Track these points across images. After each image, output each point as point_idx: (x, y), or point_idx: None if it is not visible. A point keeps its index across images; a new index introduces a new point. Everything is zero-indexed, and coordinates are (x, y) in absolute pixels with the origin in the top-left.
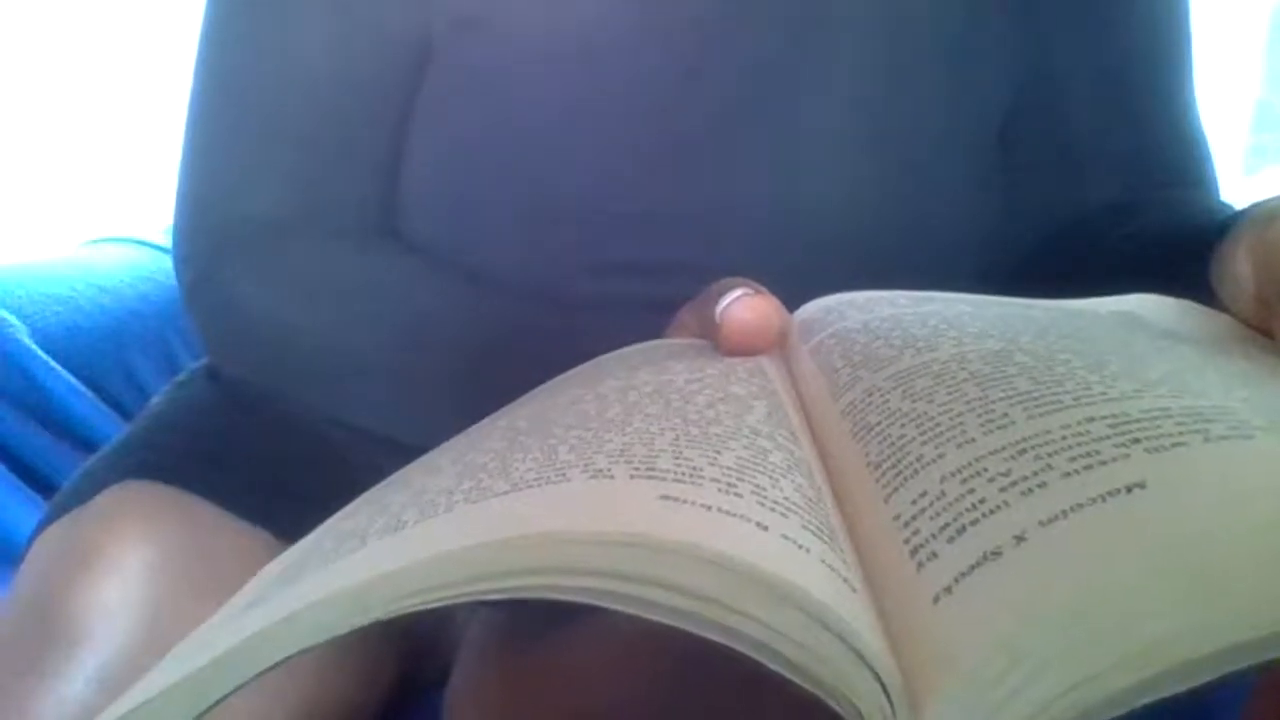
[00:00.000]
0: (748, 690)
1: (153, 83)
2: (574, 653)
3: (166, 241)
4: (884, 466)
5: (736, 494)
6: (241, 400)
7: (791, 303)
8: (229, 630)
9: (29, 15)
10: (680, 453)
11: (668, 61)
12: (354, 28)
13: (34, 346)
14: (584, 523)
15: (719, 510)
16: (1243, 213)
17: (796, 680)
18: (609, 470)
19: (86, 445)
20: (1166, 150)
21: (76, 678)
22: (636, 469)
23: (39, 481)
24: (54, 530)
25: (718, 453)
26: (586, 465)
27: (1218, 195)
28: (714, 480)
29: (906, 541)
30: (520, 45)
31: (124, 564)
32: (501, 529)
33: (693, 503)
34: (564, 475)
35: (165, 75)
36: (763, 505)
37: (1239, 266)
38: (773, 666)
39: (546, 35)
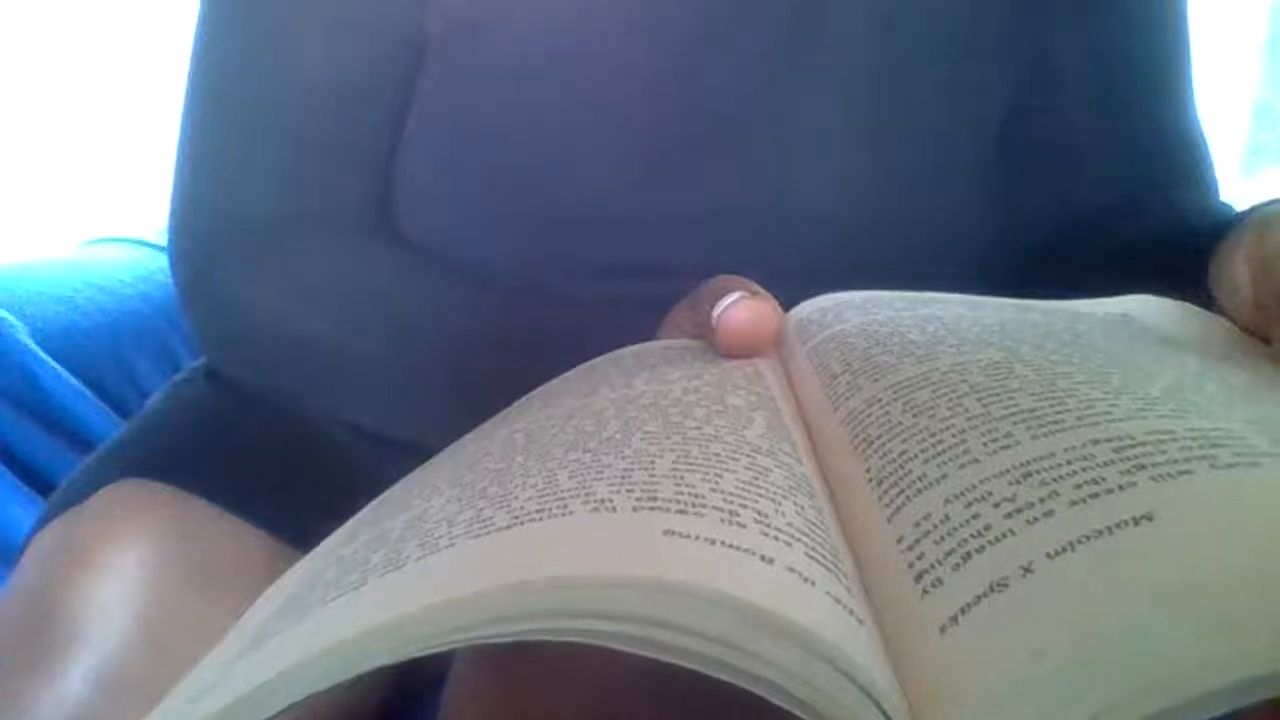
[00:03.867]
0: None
1: (152, 83)
2: (576, 653)
3: (164, 241)
4: (886, 484)
5: (739, 523)
6: (240, 399)
7: (792, 303)
8: (231, 676)
9: (29, 15)
10: (681, 478)
11: (666, 64)
12: (348, 27)
13: (34, 346)
14: (589, 565)
15: (722, 544)
16: (1241, 216)
17: (802, 716)
18: (610, 501)
19: (86, 445)
20: (1165, 151)
21: (74, 677)
22: (639, 500)
23: (38, 481)
24: (51, 529)
25: (719, 476)
26: (588, 495)
27: (1217, 196)
28: (716, 509)
29: (910, 566)
30: (518, 48)
31: (120, 563)
32: (506, 572)
33: (696, 537)
34: (565, 507)
35: (164, 75)
36: (765, 535)
37: (1237, 271)
38: (777, 702)
39: (545, 38)
